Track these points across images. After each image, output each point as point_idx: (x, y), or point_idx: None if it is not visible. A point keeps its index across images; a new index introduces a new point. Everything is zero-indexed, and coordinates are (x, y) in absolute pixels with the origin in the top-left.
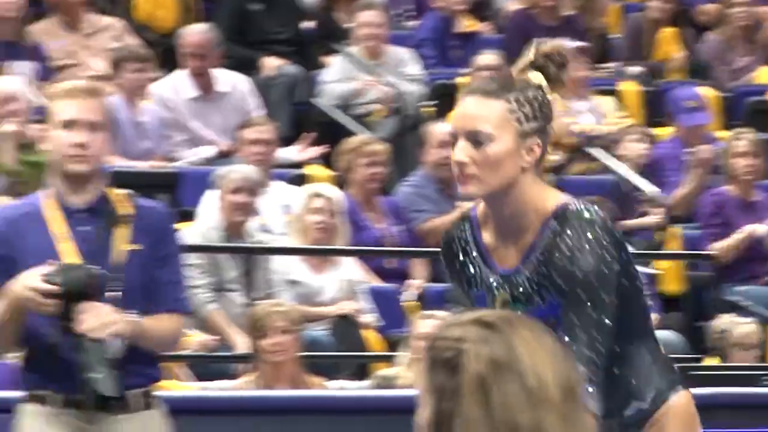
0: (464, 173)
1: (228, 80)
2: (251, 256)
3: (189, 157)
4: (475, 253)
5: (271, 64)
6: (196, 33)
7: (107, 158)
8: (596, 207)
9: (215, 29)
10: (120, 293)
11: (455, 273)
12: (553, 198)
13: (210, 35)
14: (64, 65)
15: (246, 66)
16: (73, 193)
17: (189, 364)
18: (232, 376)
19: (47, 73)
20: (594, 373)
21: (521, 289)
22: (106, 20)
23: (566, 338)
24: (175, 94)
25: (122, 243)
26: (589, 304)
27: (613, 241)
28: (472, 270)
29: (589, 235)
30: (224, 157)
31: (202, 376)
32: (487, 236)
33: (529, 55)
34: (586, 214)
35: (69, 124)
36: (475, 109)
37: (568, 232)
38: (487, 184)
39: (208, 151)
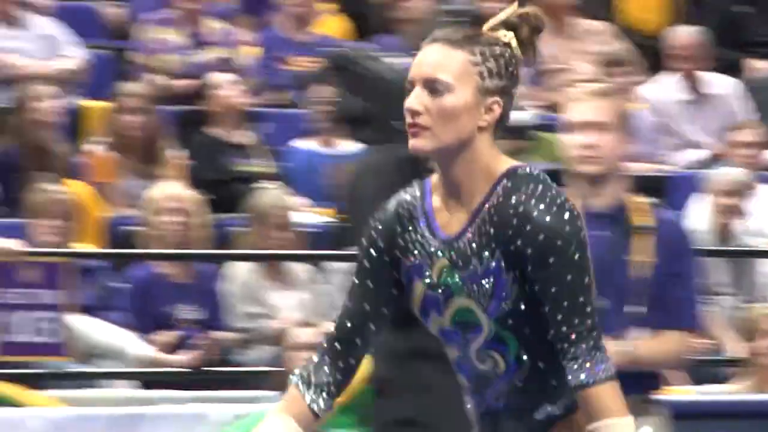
0: (417, 123)
1: (716, 83)
2: (742, 259)
3: (679, 161)
4: (421, 221)
5: (758, 66)
6: (684, 35)
7: (621, 161)
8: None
9: (703, 31)
10: (642, 309)
11: (386, 241)
12: (505, 163)
13: (699, 37)
14: (551, 69)
15: (731, 68)
16: (591, 195)
17: (686, 368)
18: (724, 380)
19: (536, 77)
20: (594, 338)
21: (460, 254)
22: (593, 24)
23: (556, 315)
24: (665, 97)
25: (641, 255)
26: (562, 268)
27: (571, 206)
28: (413, 237)
29: (546, 194)
30: (714, 160)
31: (696, 379)
32: (436, 202)
33: (503, 14)
34: (541, 177)
35: (581, 126)
36: (436, 58)
37: (522, 189)
38: (439, 139)
39: (699, 155)
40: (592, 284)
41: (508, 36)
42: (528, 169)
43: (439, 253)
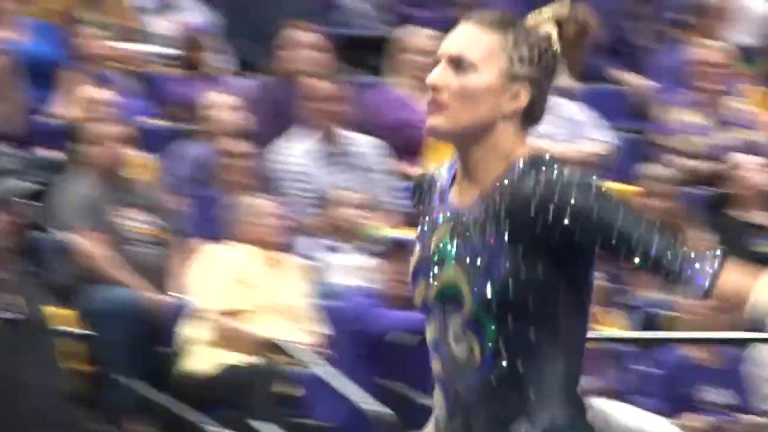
0: (436, 100)
1: None
2: None
3: None
4: (437, 191)
5: None
6: None
7: None
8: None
9: None
10: None
11: (417, 211)
12: (528, 148)
13: None
14: None
15: None
16: None
17: None
18: None
19: None
20: (675, 240)
21: (464, 226)
22: None
23: (635, 251)
24: None
25: None
26: (609, 210)
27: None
28: (427, 206)
29: (563, 172)
30: None
31: None
32: (455, 184)
33: (549, 9)
34: (558, 161)
35: None
36: (466, 36)
37: (540, 171)
38: (457, 119)
39: None
40: (632, 205)
41: (548, 28)
42: (547, 156)
43: (444, 222)
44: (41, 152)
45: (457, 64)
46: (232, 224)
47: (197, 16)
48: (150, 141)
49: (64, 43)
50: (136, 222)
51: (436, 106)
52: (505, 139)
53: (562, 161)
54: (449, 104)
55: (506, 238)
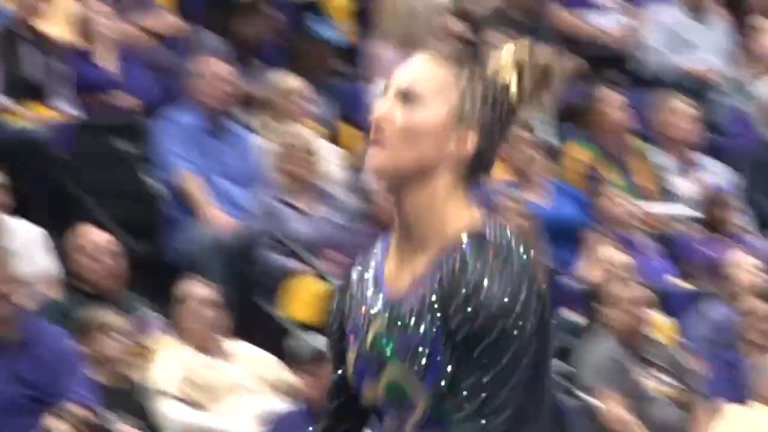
0: (378, 135)
1: None
2: None
3: None
4: (370, 275)
5: None
6: None
7: None
8: (524, 242)
9: None
10: None
11: (339, 301)
12: (467, 216)
13: None
14: None
15: None
16: None
17: None
18: None
19: None
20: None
21: (400, 317)
22: None
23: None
24: None
25: None
26: (499, 350)
27: (534, 288)
28: (361, 294)
29: (504, 268)
30: None
31: None
32: (390, 255)
33: (510, 55)
34: (504, 243)
35: None
36: (419, 68)
37: (479, 260)
38: (398, 158)
39: None
40: (513, 380)
41: (507, 76)
42: (493, 234)
43: (379, 314)
44: (564, 314)
45: (405, 97)
46: (756, 386)
47: (718, 176)
48: (672, 302)
49: (587, 205)
50: (657, 382)
51: (376, 143)
52: (445, 189)
53: (501, 239)
54: (390, 141)
55: (443, 329)
